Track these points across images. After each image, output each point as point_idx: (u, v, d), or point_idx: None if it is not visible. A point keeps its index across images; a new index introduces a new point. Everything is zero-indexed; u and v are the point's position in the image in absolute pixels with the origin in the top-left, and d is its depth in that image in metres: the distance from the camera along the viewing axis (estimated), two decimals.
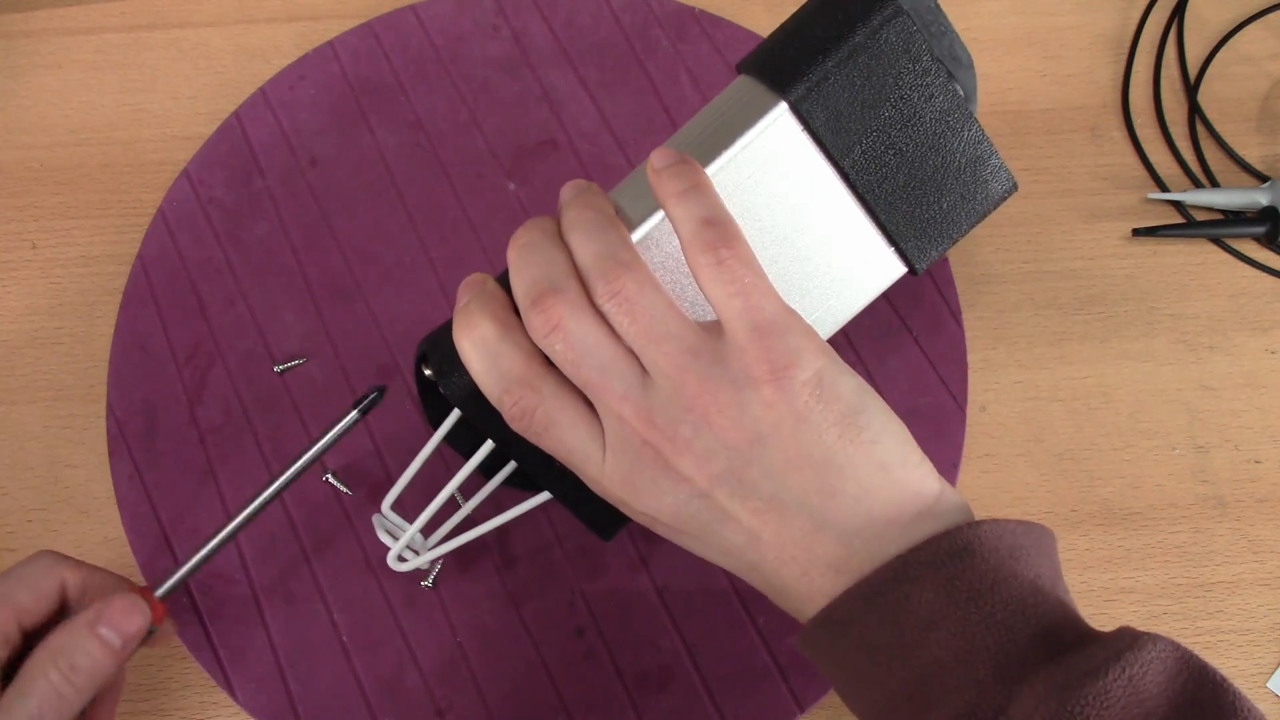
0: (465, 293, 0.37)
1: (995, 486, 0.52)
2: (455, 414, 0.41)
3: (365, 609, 0.48)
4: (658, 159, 0.36)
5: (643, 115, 0.57)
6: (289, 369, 0.52)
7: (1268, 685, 0.49)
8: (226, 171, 0.55)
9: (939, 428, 0.51)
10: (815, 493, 0.34)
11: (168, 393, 0.51)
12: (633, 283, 0.34)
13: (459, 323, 0.36)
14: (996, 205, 0.39)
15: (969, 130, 0.38)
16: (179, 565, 0.42)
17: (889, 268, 0.39)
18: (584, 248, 0.36)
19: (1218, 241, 0.56)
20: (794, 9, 0.60)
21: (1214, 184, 0.58)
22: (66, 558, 0.41)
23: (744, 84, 0.39)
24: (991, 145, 0.38)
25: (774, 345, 0.33)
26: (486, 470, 0.42)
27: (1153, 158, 0.58)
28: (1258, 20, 0.61)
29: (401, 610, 0.48)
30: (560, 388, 0.35)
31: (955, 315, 0.53)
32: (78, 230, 0.56)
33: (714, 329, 0.35)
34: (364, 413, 0.43)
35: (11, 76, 0.59)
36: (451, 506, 0.44)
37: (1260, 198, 0.56)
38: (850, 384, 0.35)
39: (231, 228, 0.54)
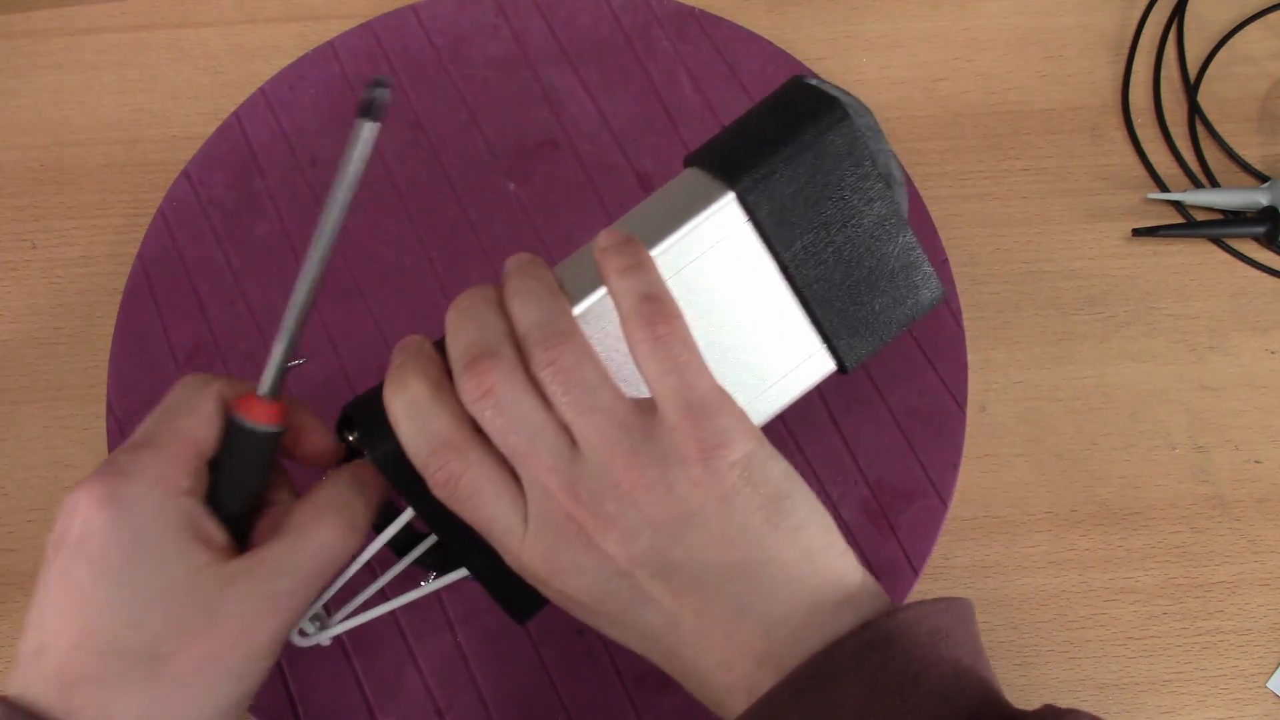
0: (400, 354, 0.37)
1: (995, 486, 0.52)
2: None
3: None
4: (604, 239, 0.36)
5: (643, 115, 0.57)
6: (289, 369, 0.52)
7: (1268, 685, 0.49)
8: (226, 171, 0.55)
9: (939, 428, 0.51)
10: (738, 577, 0.33)
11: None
12: (570, 353, 0.34)
13: (391, 382, 0.36)
14: (925, 311, 0.40)
15: (903, 237, 0.39)
16: (270, 353, 0.38)
17: (819, 363, 0.40)
18: (524, 315, 0.35)
19: (1218, 241, 0.56)
20: (793, 9, 0.60)
21: (1214, 184, 0.58)
22: (211, 378, 0.39)
23: (693, 175, 0.40)
24: (923, 253, 0.39)
25: (705, 424, 0.33)
26: (399, 548, 0.41)
27: (1153, 158, 0.58)
28: (1258, 20, 0.61)
29: (401, 610, 0.48)
30: (486, 456, 0.35)
31: (955, 315, 0.53)
32: (78, 230, 0.56)
33: (647, 406, 0.34)
34: (376, 116, 0.35)
35: (11, 76, 0.59)
36: (361, 579, 0.41)
37: (1260, 198, 0.56)
38: (779, 469, 0.34)
39: (231, 228, 0.54)
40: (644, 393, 0.36)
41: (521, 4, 0.59)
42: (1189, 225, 0.56)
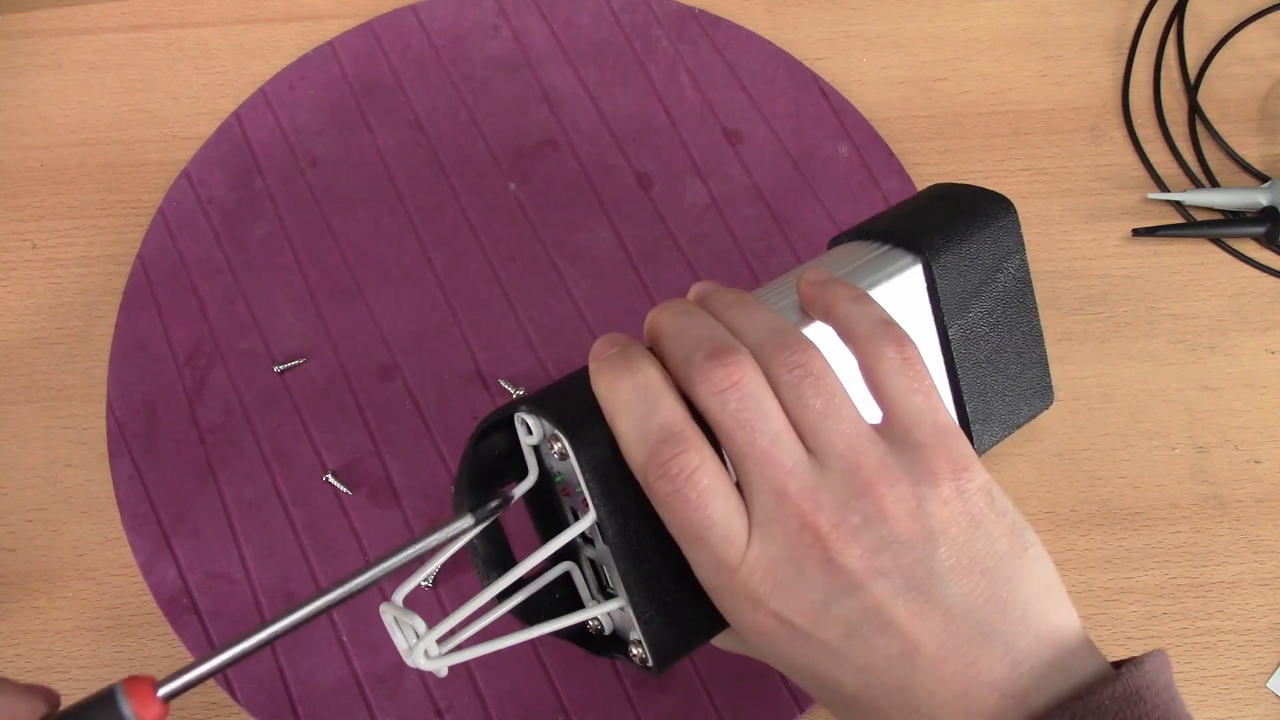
0: (611, 344, 0.34)
1: None
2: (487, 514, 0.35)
3: (365, 609, 0.48)
4: (815, 275, 0.36)
5: (643, 115, 0.57)
6: (289, 369, 0.52)
7: (1268, 685, 0.49)
8: (226, 171, 0.55)
9: None
10: (985, 602, 0.31)
11: (168, 393, 0.51)
12: (819, 359, 0.32)
13: (614, 366, 0.33)
14: (1037, 415, 0.41)
15: (1039, 340, 0.41)
16: (196, 665, 0.32)
17: None
18: (757, 323, 0.34)
19: (1218, 241, 0.56)
20: (793, 8, 0.60)
21: (1214, 184, 0.58)
22: (32, 693, 0.33)
23: (858, 246, 0.40)
24: (1048, 360, 0.41)
25: (952, 447, 0.32)
26: (500, 595, 0.36)
27: (1153, 158, 0.58)
28: (1258, 20, 0.61)
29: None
30: (714, 453, 0.32)
31: None
32: (78, 230, 0.56)
33: (879, 427, 0.33)
34: (481, 521, 0.34)
35: (11, 76, 0.59)
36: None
37: (1260, 198, 0.56)
38: (1010, 502, 0.33)
39: (231, 228, 0.54)
40: None
41: (521, 4, 0.59)
42: (1189, 225, 0.56)
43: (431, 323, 0.53)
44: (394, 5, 0.60)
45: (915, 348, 0.33)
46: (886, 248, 0.39)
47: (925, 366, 0.33)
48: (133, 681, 0.32)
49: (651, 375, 0.32)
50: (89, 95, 0.58)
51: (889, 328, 0.34)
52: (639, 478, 0.32)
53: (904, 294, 0.38)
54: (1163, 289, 0.56)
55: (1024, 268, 0.40)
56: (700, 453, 0.32)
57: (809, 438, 0.32)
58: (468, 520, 0.34)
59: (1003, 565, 0.32)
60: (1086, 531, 0.51)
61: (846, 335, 0.34)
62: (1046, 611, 0.32)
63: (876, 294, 0.37)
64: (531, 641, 0.47)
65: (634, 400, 0.32)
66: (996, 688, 0.31)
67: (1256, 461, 0.53)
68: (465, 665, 0.47)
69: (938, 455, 0.32)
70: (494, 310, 0.53)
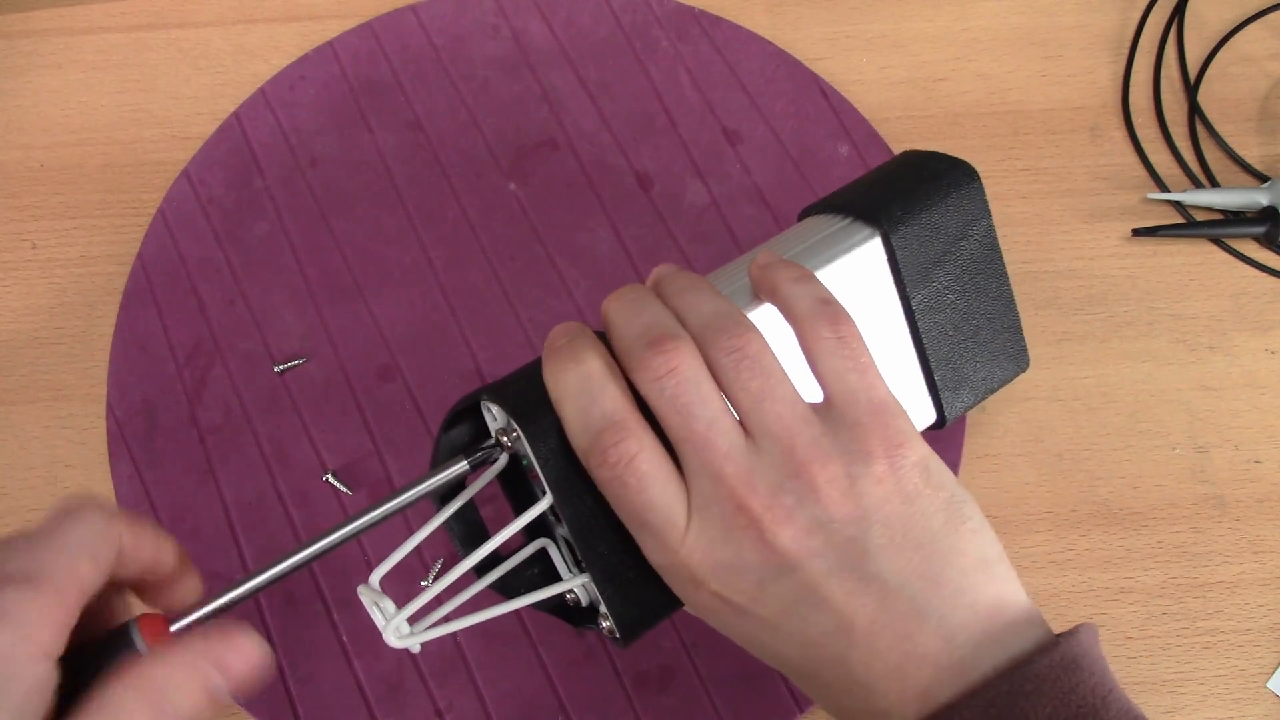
0: (564, 334, 0.36)
1: (995, 486, 0.52)
2: (463, 496, 0.38)
3: (365, 609, 0.48)
4: (765, 257, 0.37)
5: (643, 115, 0.57)
6: (289, 369, 0.52)
7: (1267, 685, 0.49)
8: (226, 171, 0.55)
9: None
10: (919, 577, 0.32)
11: (168, 393, 0.51)
12: (756, 341, 0.34)
13: (562, 356, 0.35)
14: (1012, 379, 0.42)
15: (1008, 303, 0.41)
16: (207, 601, 0.35)
17: (923, 415, 0.41)
18: (700, 307, 0.35)
19: (1218, 241, 0.56)
20: (793, 8, 0.60)
21: (1214, 184, 0.58)
22: (115, 512, 0.34)
23: (823, 220, 0.41)
24: (1020, 321, 0.42)
25: (889, 424, 0.33)
26: (477, 569, 0.38)
27: (1153, 158, 0.58)
28: (1258, 20, 0.61)
29: None
30: (656, 440, 0.34)
31: None
32: (78, 230, 0.56)
33: (819, 407, 0.34)
34: (475, 465, 0.37)
35: (11, 76, 0.59)
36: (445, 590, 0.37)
37: (1260, 198, 0.56)
38: (950, 475, 0.34)
39: (231, 228, 0.54)
40: None
41: (521, 4, 0.59)
42: (1189, 225, 0.56)
43: (431, 323, 0.53)
44: (394, 5, 0.60)
45: (852, 325, 0.34)
46: (848, 220, 0.40)
47: (862, 343, 0.34)
48: (146, 618, 0.34)
49: (594, 365, 0.34)
50: (89, 95, 0.58)
51: (825, 306, 0.35)
52: (584, 464, 0.34)
53: (865, 267, 0.39)
54: (1163, 289, 0.56)
55: (990, 234, 0.40)
56: (640, 440, 0.33)
57: (746, 420, 0.33)
58: (463, 465, 0.36)
59: (937, 540, 0.33)
60: (1086, 531, 0.51)
61: (788, 315, 0.35)
62: (984, 584, 0.33)
63: (837, 268, 0.38)
64: (531, 641, 0.48)
65: (577, 390, 0.34)
66: (930, 660, 0.32)
67: (1256, 461, 0.53)
68: (465, 665, 0.47)
69: (872, 433, 0.33)
70: (494, 310, 0.53)
